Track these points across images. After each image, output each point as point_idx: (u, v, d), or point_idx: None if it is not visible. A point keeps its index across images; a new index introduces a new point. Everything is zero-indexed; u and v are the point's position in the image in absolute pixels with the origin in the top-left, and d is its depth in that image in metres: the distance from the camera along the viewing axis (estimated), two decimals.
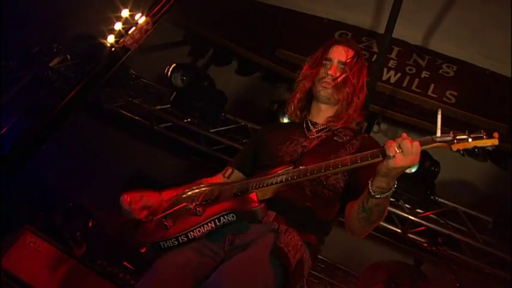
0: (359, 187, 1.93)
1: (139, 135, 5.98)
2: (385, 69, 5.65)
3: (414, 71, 5.62)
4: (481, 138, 1.61)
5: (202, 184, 2.21)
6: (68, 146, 5.25)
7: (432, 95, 5.36)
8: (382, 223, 4.69)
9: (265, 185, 1.91)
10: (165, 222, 2.01)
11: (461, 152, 1.66)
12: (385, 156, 1.64)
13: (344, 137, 2.19)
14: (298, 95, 2.35)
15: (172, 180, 5.89)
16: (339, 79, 2.20)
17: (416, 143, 1.63)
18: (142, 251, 2.07)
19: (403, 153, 1.61)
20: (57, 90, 5.03)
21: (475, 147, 1.63)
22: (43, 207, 4.81)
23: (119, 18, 5.07)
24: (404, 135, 1.66)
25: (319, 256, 5.76)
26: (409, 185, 4.75)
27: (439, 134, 1.67)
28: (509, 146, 4.82)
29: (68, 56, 5.13)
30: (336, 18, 5.97)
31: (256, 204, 1.86)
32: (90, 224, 5.15)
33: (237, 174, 2.32)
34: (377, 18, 5.71)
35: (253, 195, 1.90)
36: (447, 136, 1.65)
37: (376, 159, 1.69)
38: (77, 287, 3.91)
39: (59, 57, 5.11)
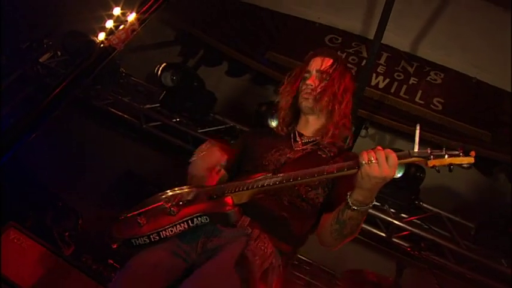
0: (337, 202, 1.93)
1: (128, 134, 5.96)
2: (374, 75, 5.68)
3: (402, 77, 5.65)
4: (457, 155, 1.65)
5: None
6: (57, 141, 5.21)
7: (419, 101, 5.39)
8: (367, 227, 4.81)
9: (241, 189, 1.91)
10: (139, 220, 1.99)
11: (437, 168, 1.67)
12: (359, 165, 1.67)
13: (328, 153, 2.19)
14: (282, 113, 2.36)
15: (159, 178, 5.92)
16: (318, 88, 2.21)
17: (393, 155, 1.65)
18: (114, 246, 2.04)
19: (378, 163, 1.63)
20: (47, 86, 5.00)
21: (451, 164, 1.65)
22: (31, 204, 4.77)
23: (110, 17, 5.05)
24: (379, 147, 1.69)
25: (304, 258, 5.75)
26: (394, 190, 4.75)
27: (416, 148, 1.69)
28: (493, 153, 4.88)
29: (59, 52, 5.11)
30: (327, 23, 5.99)
31: (230, 208, 1.86)
32: (80, 224, 5.12)
33: (223, 174, 2.27)
34: (367, 24, 5.75)
35: (228, 199, 1.91)
36: (424, 152, 1.68)
37: (352, 171, 1.70)
38: (60, 284, 3.86)
39: (50, 53, 5.08)
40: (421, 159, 1.68)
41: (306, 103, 2.23)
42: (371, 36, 5.10)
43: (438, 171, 1.67)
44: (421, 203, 4.91)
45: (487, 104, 5.25)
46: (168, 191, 2.11)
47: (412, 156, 1.68)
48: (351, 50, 5.96)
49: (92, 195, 5.84)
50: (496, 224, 4.38)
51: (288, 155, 2.17)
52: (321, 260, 5.76)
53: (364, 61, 5.73)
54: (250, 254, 1.81)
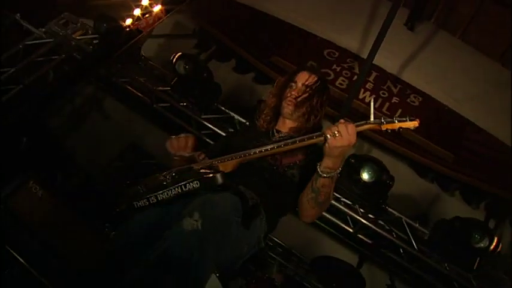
0: (309, 179, 2.06)
1: (140, 110, 6.10)
2: (362, 90, 5.82)
3: (387, 95, 5.82)
4: (405, 121, 1.78)
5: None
6: (77, 108, 5.31)
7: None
8: (337, 221, 4.90)
9: (225, 160, 2.05)
10: (139, 187, 2.14)
11: (389, 130, 1.82)
12: (325, 138, 1.82)
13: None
14: (266, 111, 2.45)
15: (158, 153, 6.05)
16: (299, 98, 2.31)
17: (351, 125, 1.81)
18: (117, 210, 2.18)
19: (341, 134, 1.80)
20: (74, 59, 5.14)
21: (400, 127, 1.79)
22: (44, 160, 4.87)
23: (138, 6, 5.24)
24: (342, 120, 1.84)
25: (278, 240, 5.88)
26: (365, 193, 4.81)
27: (372, 118, 1.84)
28: (454, 173, 5.12)
29: (90, 32, 5.21)
30: (328, 38, 6.15)
31: (216, 173, 1.94)
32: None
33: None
34: (362, 45, 5.88)
35: (215, 167, 2.04)
36: (378, 120, 1.82)
37: (320, 138, 1.85)
38: (65, 231, 4.01)
39: (82, 31, 5.20)
40: (375, 125, 1.81)
41: (287, 109, 2.32)
42: (364, 56, 5.24)
43: (388, 131, 1.83)
44: (387, 207, 4.99)
45: (454, 130, 5.44)
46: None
47: (368, 123, 1.83)
48: (345, 65, 6.10)
49: (99, 159, 6.00)
50: (445, 233, 4.52)
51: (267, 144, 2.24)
52: (292, 245, 5.94)
53: (355, 76, 5.86)
54: (243, 190, 1.99)
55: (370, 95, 5.83)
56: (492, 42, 5.54)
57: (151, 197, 2.05)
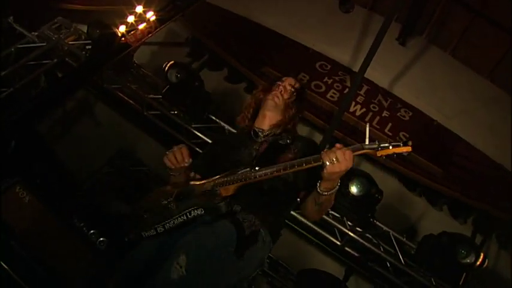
0: (305, 178, 2.18)
1: (130, 117, 6.07)
2: (353, 103, 5.82)
3: (377, 109, 5.83)
4: (398, 146, 1.80)
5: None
6: (67, 114, 5.27)
7: (388, 132, 5.58)
8: (325, 234, 4.93)
9: (228, 184, 2.05)
10: (145, 216, 2.18)
11: (384, 157, 1.84)
12: (323, 164, 1.84)
13: (286, 139, 2.37)
14: (249, 109, 2.52)
15: (146, 160, 6.00)
16: (285, 94, 2.42)
17: (348, 151, 1.83)
18: (127, 239, 2.23)
19: (338, 160, 1.82)
20: (66, 64, 5.11)
21: (394, 153, 1.80)
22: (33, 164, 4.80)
23: (132, 13, 5.23)
24: (338, 145, 1.86)
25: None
26: (354, 206, 4.79)
27: (367, 142, 1.84)
28: (442, 188, 5.13)
29: (83, 37, 5.20)
30: (320, 50, 6.17)
31: (220, 201, 2.02)
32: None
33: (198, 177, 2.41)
34: (354, 58, 5.93)
35: (217, 192, 2.06)
36: (373, 144, 1.82)
37: (318, 163, 1.86)
38: (50, 238, 3.93)
39: (75, 36, 5.18)
40: (371, 150, 1.83)
41: (272, 101, 2.39)
42: (356, 69, 5.24)
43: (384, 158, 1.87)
44: (375, 221, 4.99)
45: (442, 145, 5.46)
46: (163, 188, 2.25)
47: (364, 149, 1.83)
48: (337, 78, 6.10)
49: (88, 163, 5.94)
50: (432, 248, 4.53)
51: (254, 147, 2.35)
52: (280, 256, 5.93)
53: (347, 89, 5.87)
54: (240, 218, 2.04)
55: (361, 108, 5.84)
56: (482, 59, 5.60)
57: (158, 227, 2.11)
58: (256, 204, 2.16)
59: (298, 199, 2.32)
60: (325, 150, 1.87)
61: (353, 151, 1.85)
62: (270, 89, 2.48)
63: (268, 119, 2.43)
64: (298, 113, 2.47)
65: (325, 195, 1.99)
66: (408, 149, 1.80)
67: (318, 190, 1.99)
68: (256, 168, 2.03)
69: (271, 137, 2.40)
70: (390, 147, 1.80)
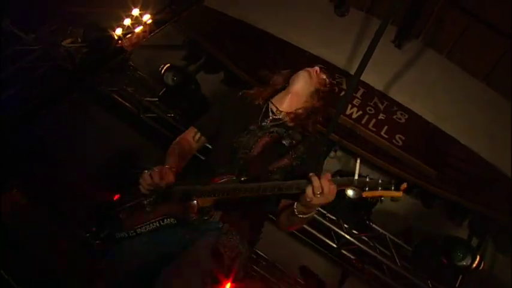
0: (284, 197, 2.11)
1: (126, 120, 6.04)
2: (350, 106, 5.78)
3: (373, 111, 5.79)
4: (389, 189, 1.68)
5: (175, 149, 2.27)
6: (62, 117, 5.25)
7: (384, 135, 5.54)
8: (321, 236, 4.95)
9: (205, 195, 1.97)
10: (121, 215, 2.17)
11: (369, 199, 1.79)
12: (306, 193, 1.74)
13: (292, 140, 2.18)
14: (270, 89, 2.34)
15: (143, 162, 5.97)
16: (320, 78, 2.29)
17: (334, 186, 1.72)
18: (98, 242, 2.24)
19: (322, 194, 1.71)
20: (63, 66, 5.10)
21: (381, 196, 1.70)
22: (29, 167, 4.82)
23: (128, 16, 5.23)
24: (327, 176, 1.74)
25: (262, 254, 5.85)
26: (350, 209, 4.91)
27: (356, 176, 1.73)
28: (437, 189, 5.12)
29: (79, 39, 5.20)
30: (317, 53, 6.10)
31: (194, 215, 1.97)
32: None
33: (203, 139, 2.34)
34: (350, 61, 5.89)
35: (194, 204, 1.98)
36: (363, 181, 1.71)
37: (299, 191, 1.78)
38: (46, 239, 4.02)
39: (72, 38, 5.18)
40: (357, 189, 1.73)
41: (306, 73, 2.27)
42: (352, 72, 5.22)
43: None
44: (371, 223, 5.06)
45: (438, 147, 5.45)
46: (147, 173, 2.03)
47: (351, 185, 1.73)
48: (333, 81, 6.10)
49: (83, 166, 5.92)
50: (428, 250, 4.57)
51: (258, 134, 2.17)
52: (276, 258, 5.93)
53: (343, 92, 5.79)
54: (221, 247, 1.96)
55: (357, 111, 5.80)
56: (477, 62, 5.61)
57: (130, 231, 2.12)
58: (236, 215, 2.08)
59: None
60: (314, 177, 1.74)
61: (339, 185, 1.75)
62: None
63: (289, 100, 2.25)
64: (323, 109, 2.29)
65: (299, 217, 1.89)
66: (399, 194, 1.68)
67: (294, 211, 1.89)
68: (242, 179, 1.99)
69: (280, 127, 2.21)
70: (379, 189, 1.69)
